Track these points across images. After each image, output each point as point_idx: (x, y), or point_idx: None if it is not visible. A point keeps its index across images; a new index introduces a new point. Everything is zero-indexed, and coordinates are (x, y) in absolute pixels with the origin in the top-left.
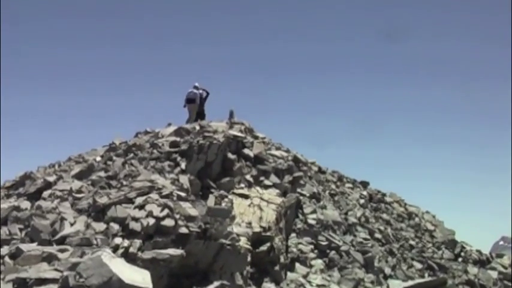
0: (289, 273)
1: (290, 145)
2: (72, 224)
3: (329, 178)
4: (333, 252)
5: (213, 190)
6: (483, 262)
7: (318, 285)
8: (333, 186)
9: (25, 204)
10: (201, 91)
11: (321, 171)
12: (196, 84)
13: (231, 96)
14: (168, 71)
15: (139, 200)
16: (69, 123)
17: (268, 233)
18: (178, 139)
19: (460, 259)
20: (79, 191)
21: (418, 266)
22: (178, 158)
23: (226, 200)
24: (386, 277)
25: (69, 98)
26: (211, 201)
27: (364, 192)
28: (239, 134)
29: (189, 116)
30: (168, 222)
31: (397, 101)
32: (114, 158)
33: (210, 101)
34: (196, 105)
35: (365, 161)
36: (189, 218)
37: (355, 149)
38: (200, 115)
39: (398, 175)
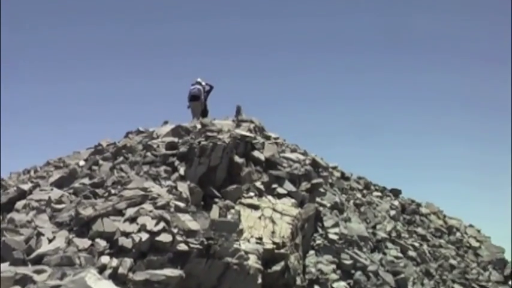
0: None
1: (308, 146)
2: (50, 240)
3: (354, 185)
4: (359, 273)
5: (217, 200)
6: None
7: None
8: (359, 195)
9: None
10: (204, 84)
11: (344, 177)
12: (199, 79)
13: (239, 89)
14: (165, 53)
15: (130, 212)
16: (46, 120)
17: (282, 250)
18: (176, 140)
19: (510, 282)
20: (59, 201)
21: None
22: (177, 162)
23: (232, 211)
24: None
25: (45, 85)
26: (215, 212)
27: (396, 202)
28: (248, 134)
29: (193, 116)
30: (165, 238)
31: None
32: (101, 162)
33: (214, 96)
34: (201, 103)
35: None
36: (189, 233)
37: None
38: (202, 112)
39: (426, 177)
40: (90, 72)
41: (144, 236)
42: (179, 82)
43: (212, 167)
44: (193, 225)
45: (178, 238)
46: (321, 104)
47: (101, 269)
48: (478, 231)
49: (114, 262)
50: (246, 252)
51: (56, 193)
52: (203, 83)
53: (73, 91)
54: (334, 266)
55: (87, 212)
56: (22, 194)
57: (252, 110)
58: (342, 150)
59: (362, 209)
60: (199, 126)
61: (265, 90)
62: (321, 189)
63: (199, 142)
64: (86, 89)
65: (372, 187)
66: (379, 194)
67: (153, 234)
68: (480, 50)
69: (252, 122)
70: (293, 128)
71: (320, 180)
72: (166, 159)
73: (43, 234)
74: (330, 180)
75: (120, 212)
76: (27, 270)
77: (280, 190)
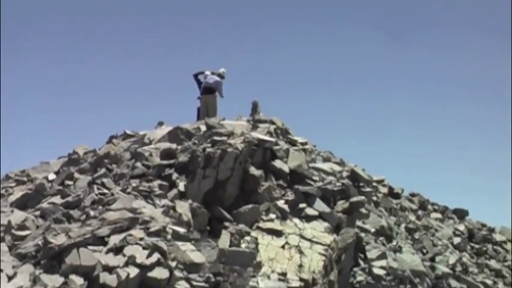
0: None
1: (346, 154)
2: (10, 278)
3: (406, 204)
4: None
5: (227, 224)
6: None
7: None
8: (412, 218)
9: None
10: (222, 79)
11: (393, 193)
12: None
13: (254, 82)
14: (158, 37)
15: (114, 240)
16: (8, 121)
17: None
18: (174, 146)
19: None
20: (22, 227)
21: None
22: (175, 175)
23: (247, 238)
24: None
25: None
26: (224, 240)
27: (461, 227)
28: (267, 138)
29: (201, 112)
30: (159, 274)
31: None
32: (76, 175)
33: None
34: (215, 98)
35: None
36: (192, 267)
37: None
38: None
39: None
40: (61, 55)
41: (133, 272)
42: (177, 72)
43: (221, 182)
44: (197, 256)
45: (178, 274)
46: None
47: None
48: None
49: None
50: None
51: (18, 216)
52: (223, 76)
53: (35, 76)
54: None
55: (59, 240)
56: None
57: (272, 107)
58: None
59: (417, 235)
60: (204, 128)
61: (287, 83)
62: (363, 210)
63: (204, 149)
64: (52, 74)
65: (430, 207)
66: (438, 215)
67: (144, 268)
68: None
69: (272, 122)
70: (325, 131)
71: (361, 198)
72: (162, 171)
73: (1, 270)
74: (374, 198)
75: (101, 240)
76: None
77: (309, 211)
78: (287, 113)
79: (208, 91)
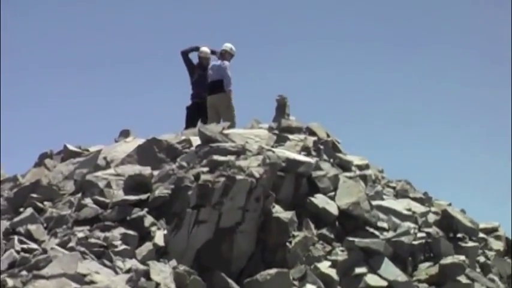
0: None
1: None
2: None
3: None
4: None
5: None
6: None
7: None
8: None
9: None
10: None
11: None
12: (228, 45)
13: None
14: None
15: None
16: None
17: None
18: (147, 171)
19: None
20: None
21: None
22: (149, 220)
23: None
24: None
25: None
26: None
27: None
28: (302, 158)
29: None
30: None
31: None
32: None
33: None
34: (229, 96)
35: None
36: None
37: None
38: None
39: None
40: None
41: None
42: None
43: (225, 230)
44: None
45: None
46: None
47: None
48: None
49: None
50: None
51: None
52: (231, 54)
53: None
54: None
55: None
56: None
57: (307, 107)
58: None
59: None
60: (196, 141)
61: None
62: (463, 279)
63: (198, 176)
64: None
65: None
66: None
67: None
68: None
69: (310, 131)
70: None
71: (460, 258)
72: (127, 213)
73: None
74: (482, 259)
75: None
76: None
77: (372, 279)
78: (332, 117)
79: (215, 88)
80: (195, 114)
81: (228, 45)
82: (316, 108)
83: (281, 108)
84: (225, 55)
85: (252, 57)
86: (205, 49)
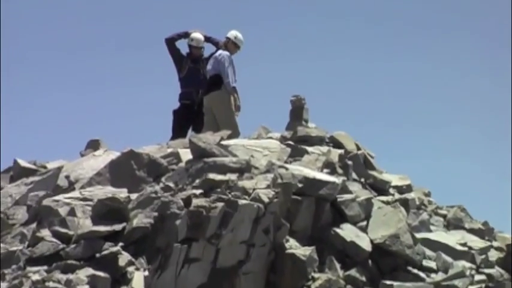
0: None
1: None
2: None
3: None
4: None
5: None
6: None
7: None
8: None
9: None
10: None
11: None
12: (198, 34)
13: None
14: None
15: None
16: None
17: None
18: (123, 194)
19: None
20: None
21: None
22: (125, 258)
23: None
24: None
25: None
26: None
27: None
28: (324, 177)
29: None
30: None
31: None
32: None
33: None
34: (228, 96)
35: None
36: None
37: None
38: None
39: None
40: None
41: None
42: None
43: (223, 271)
44: None
45: None
46: None
47: None
48: None
49: None
50: None
51: None
52: (238, 46)
53: None
54: None
55: None
56: None
57: (330, 111)
58: None
59: None
60: (187, 154)
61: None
62: None
63: (189, 200)
64: None
65: None
66: None
67: None
68: None
69: (336, 143)
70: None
71: None
72: (96, 249)
73: None
74: None
75: None
76: None
77: None
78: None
79: (211, 85)
80: (185, 119)
81: (232, 33)
82: (342, 112)
83: (297, 113)
84: (228, 45)
85: (261, 49)
86: (197, 36)
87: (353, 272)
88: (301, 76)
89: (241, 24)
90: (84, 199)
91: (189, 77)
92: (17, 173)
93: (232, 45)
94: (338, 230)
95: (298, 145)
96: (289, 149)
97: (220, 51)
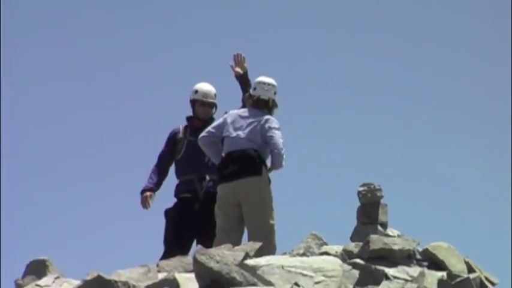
0: None
1: None
2: None
3: None
4: None
5: None
6: None
7: None
8: None
9: None
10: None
11: None
12: (206, 85)
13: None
14: None
15: None
16: None
17: None
18: None
19: None
20: None
21: None
22: None
23: None
24: None
25: None
26: None
27: None
28: None
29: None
30: None
31: None
32: None
33: None
34: (266, 188)
35: None
36: None
37: None
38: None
39: None
40: None
41: None
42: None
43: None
44: None
45: None
46: None
47: None
48: None
49: None
50: None
51: None
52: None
53: None
54: None
55: None
56: None
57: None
58: None
59: None
60: (189, 282)
61: None
62: None
63: None
64: None
65: None
66: None
67: None
68: None
69: (432, 260)
70: None
71: None
72: None
73: None
74: None
75: None
76: None
77: None
78: None
79: (242, 166)
80: (185, 224)
81: (265, 81)
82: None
83: (369, 212)
84: (258, 102)
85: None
86: (205, 87)
87: None
88: (373, 155)
89: None
90: None
91: (189, 157)
92: None
93: (262, 102)
94: None
95: (372, 265)
96: (356, 272)
97: (269, 116)
